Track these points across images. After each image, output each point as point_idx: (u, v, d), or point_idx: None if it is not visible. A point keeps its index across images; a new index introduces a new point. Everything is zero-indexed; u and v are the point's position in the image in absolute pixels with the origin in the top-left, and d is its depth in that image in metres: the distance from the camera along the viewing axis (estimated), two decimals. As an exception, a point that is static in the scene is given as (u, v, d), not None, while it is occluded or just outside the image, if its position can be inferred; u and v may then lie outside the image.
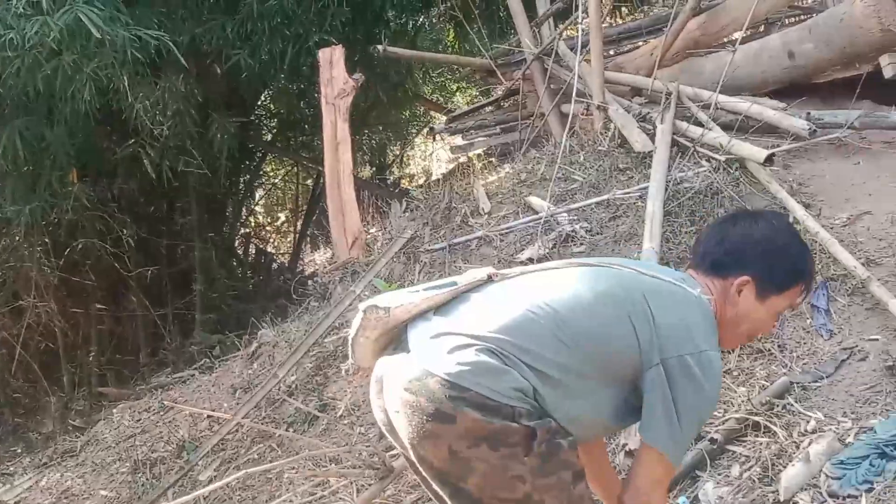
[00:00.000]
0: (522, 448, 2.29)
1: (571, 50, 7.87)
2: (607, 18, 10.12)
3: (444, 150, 14.50)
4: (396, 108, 12.40)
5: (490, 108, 9.83)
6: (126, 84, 7.52)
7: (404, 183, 15.02)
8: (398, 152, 16.26)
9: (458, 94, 15.74)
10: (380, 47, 8.23)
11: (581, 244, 5.83)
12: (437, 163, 16.33)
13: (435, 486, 2.47)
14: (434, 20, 12.01)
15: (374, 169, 15.01)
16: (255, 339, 6.93)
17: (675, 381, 2.38)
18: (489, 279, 2.59)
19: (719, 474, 3.94)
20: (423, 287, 2.60)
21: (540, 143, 8.01)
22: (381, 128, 13.62)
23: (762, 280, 2.58)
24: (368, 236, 7.37)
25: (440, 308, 2.54)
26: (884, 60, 6.19)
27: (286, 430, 5.58)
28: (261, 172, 13.46)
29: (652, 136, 6.43)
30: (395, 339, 2.56)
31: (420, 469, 2.45)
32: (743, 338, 2.78)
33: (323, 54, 7.51)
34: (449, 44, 12.55)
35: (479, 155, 10.13)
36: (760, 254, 2.59)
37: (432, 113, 13.98)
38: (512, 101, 9.33)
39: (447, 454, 2.30)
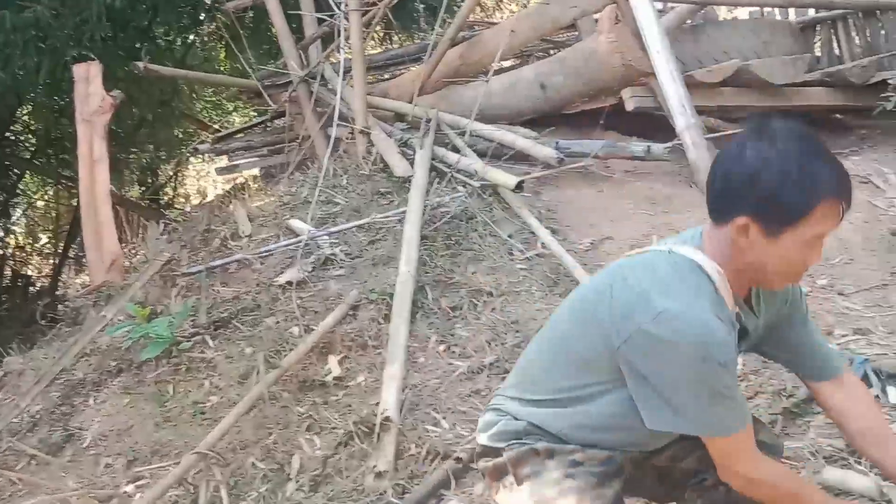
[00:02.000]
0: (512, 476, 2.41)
1: (338, 74, 7.92)
2: (379, 44, 10.26)
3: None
4: (166, 127, 12.09)
5: (258, 129, 9.73)
6: None
7: (179, 203, 14.62)
8: (171, 172, 15.81)
9: (234, 113, 15.49)
10: (140, 64, 7.98)
11: (341, 267, 5.86)
12: (213, 184, 16.00)
13: None
14: (205, 39, 11.80)
15: (144, 188, 14.54)
16: (0, 367, 6.55)
17: (642, 359, 2.14)
18: None
19: (464, 492, 4.04)
20: None
21: (306, 166, 8.00)
22: (151, 146, 13.22)
23: (761, 217, 2.09)
24: (130, 258, 7.14)
25: None
26: (626, 94, 6.58)
27: (28, 462, 5.29)
28: (17, 191, 12.74)
29: (412, 162, 6.56)
30: None
31: None
32: (782, 278, 2.24)
33: (78, 70, 7.22)
34: (220, 63, 12.36)
35: (253, 177, 10.03)
36: (749, 189, 2.09)
37: (204, 133, 13.69)
38: (280, 123, 9.28)
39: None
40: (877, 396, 3.99)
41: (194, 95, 13.05)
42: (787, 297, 2.44)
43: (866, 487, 3.22)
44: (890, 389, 4.02)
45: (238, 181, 10.51)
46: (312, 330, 5.25)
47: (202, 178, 16.98)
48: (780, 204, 2.06)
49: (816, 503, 2.32)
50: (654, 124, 6.92)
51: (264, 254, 6.10)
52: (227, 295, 5.90)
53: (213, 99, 14.37)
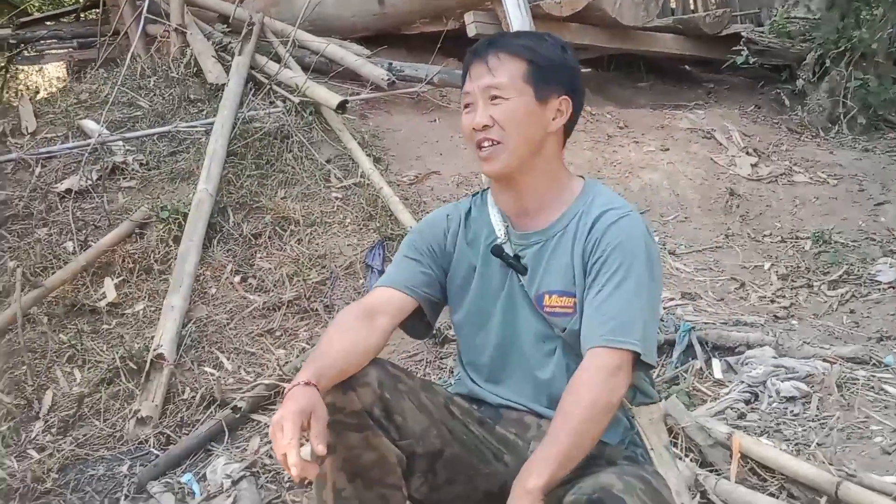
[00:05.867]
0: None
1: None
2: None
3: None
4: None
5: (70, 18, 8.74)
6: None
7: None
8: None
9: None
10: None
11: (132, 178, 5.18)
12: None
13: None
14: None
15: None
16: None
17: None
18: None
19: (237, 447, 3.53)
20: None
21: (116, 63, 7.16)
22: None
23: None
24: None
25: None
26: (468, 18, 6.07)
27: None
28: None
29: (229, 69, 5.88)
30: None
31: None
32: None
33: None
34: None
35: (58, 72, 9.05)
36: None
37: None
38: (94, 13, 8.35)
39: None
40: (700, 369, 3.68)
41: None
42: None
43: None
44: (714, 362, 3.72)
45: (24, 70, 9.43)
46: (90, 247, 4.59)
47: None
48: None
49: None
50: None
51: (45, 155, 5.32)
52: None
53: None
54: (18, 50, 8.26)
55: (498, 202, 2.26)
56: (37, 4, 10.55)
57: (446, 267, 2.30)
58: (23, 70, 8.93)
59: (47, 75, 8.99)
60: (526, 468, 1.90)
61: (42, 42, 8.50)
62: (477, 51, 2.17)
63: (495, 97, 2.11)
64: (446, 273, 2.30)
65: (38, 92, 7.59)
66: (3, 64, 8.41)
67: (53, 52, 8.41)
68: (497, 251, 2.21)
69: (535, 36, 2.25)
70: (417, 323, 2.31)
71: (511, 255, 2.20)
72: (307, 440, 1.85)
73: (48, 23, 8.77)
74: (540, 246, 2.18)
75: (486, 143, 2.12)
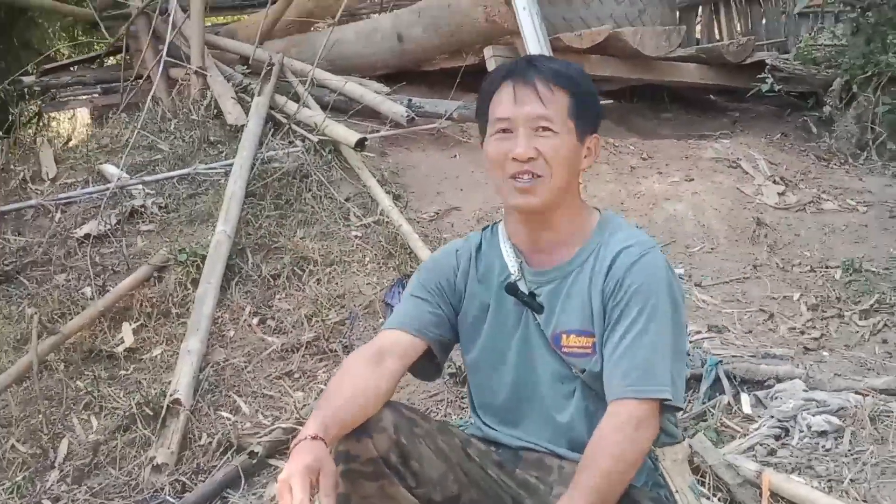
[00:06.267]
0: None
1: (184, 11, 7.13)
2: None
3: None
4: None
5: (94, 65, 8.80)
6: None
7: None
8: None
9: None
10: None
11: (151, 222, 5.16)
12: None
13: None
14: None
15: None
16: None
17: None
18: None
19: (254, 494, 3.45)
20: None
21: (139, 108, 7.19)
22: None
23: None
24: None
25: None
26: (488, 52, 6.02)
27: None
28: None
29: (249, 110, 5.87)
30: None
31: None
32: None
33: None
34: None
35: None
36: None
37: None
38: (117, 59, 8.40)
39: None
40: (728, 404, 3.57)
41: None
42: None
43: None
44: (743, 397, 3.60)
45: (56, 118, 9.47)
46: (108, 292, 4.56)
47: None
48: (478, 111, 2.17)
49: None
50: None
51: (64, 200, 5.32)
52: (18, 245, 5.11)
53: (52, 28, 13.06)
54: (49, 97, 8.31)
55: (513, 238, 2.18)
56: (66, 52, 10.66)
57: (456, 305, 2.23)
58: (54, 117, 8.97)
59: (76, 122, 9.02)
60: None
61: (67, 88, 8.57)
62: (520, 72, 2.05)
63: (545, 129, 2.02)
64: (457, 312, 2.23)
65: (69, 139, 7.59)
66: (35, 110, 8.48)
67: (80, 97, 8.47)
68: (511, 289, 2.14)
69: (566, 64, 2.16)
70: (427, 365, 2.24)
71: (526, 293, 2.12)
72: (316, 495, 1.79)
73: (72, 69, 8.84)
74: (556, 284, 2.11)
75: (525, 176, 2.03)
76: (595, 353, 2.05)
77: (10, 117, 6.88)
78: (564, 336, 2.08)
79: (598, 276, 2.06)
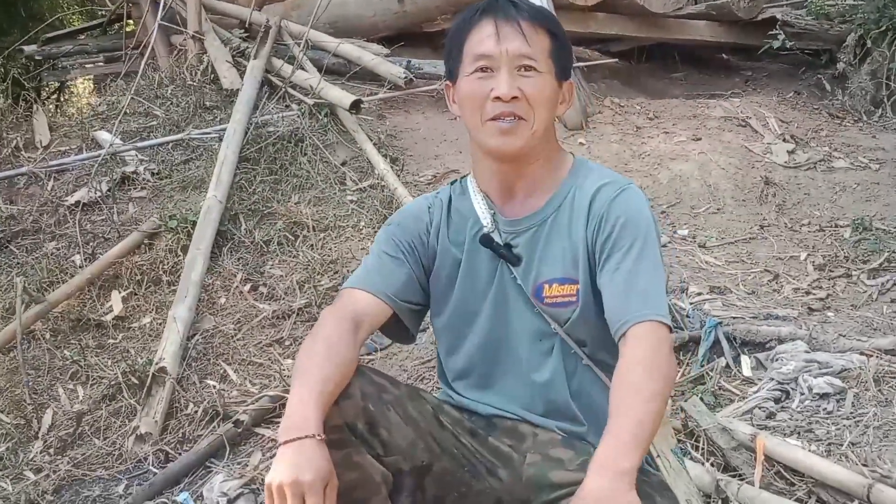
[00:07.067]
0: None
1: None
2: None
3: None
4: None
5: (96, 33, 8.68)
6: None
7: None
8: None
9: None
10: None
11: (143, 188, 5.06)
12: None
13: None
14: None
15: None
16: None
17: None
18: None
19: (238, 463, 3.37)
20: None
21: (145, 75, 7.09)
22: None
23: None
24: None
25: None
26: (488, 12, 5.86)
27: None
28: None
29: (244, 73, 5.75)
30: None
31: None
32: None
33: None
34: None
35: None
36: None
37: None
38: (118, 27, 8.28)
39: None
40: (727, 366, 3.44)
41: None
42: None
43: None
44: (743, 359, 3.48)
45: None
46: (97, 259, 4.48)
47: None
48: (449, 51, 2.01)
49: None
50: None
51: (56, 168, 5.23)
52: (8, 214, 5.03)
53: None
54: (48, 65, 8.22)
55: (485, 187, 2.06)
56: (72, 21, 10.54)
57: (428, 265, 2.10)
58: (53, 85, 8.87)
59: (76, 90, 8.93)
60: (607, 450, 1.67)
61: (69, 57, 8.47)
62: (502, 9, 1.93)
63: (529, 68, 1.92)
64: (428, 273, 2.11)
65: (62, 106, 7.51)
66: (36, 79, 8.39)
67: (86, 66, 8.37)
68: (486, 241, 2.03)
69: (541, 7, 2.06)
70: (398, 327, 2.13)
71: (501, 244, 2.00)
72: None
73: (80, 37, 8.74)
74: (533, 232, 1.99)
75: (508, 118, 1.91)
76: (578, 300, 1.93)
77: (6, 84, 6.74)
78: (546, 286, 1.97)
79: (579, 219, 1.95)
